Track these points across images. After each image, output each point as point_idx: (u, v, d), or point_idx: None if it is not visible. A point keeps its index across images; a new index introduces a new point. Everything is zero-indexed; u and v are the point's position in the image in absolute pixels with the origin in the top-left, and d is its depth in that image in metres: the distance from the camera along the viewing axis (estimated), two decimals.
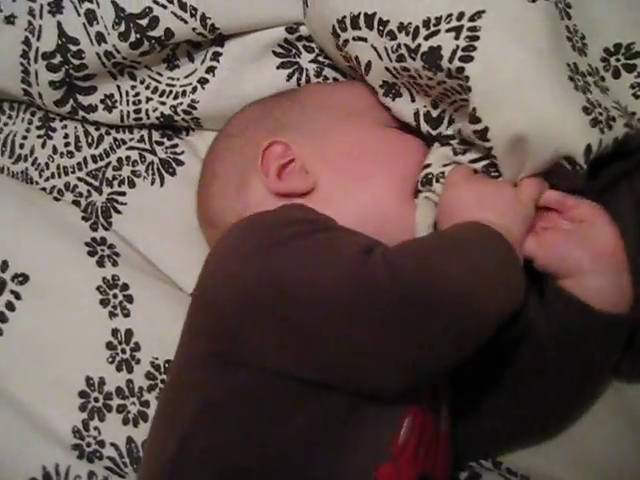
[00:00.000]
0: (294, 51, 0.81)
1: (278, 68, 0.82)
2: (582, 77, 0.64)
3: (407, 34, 0.65)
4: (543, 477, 0.69)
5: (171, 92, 0.83)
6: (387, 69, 0.69)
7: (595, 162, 0.62)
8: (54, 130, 0.87)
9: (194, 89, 0.82)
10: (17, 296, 0.74)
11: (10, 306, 0.74)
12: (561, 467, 0.69)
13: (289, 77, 0.82)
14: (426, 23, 0.64)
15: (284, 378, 0.54)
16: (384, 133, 0.72)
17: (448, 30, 0.63)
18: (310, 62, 0.81)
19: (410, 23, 0.65)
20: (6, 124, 0.89)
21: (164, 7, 0.76)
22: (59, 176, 0.85)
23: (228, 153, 0.74)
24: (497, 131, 0.61)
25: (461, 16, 0.63)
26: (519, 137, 0.60)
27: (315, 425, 0.53)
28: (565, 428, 0.68)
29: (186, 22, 0.76)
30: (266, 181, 0.69)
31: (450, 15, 0.63)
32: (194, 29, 0.77)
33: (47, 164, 0.86)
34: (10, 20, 0.80)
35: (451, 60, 0.62)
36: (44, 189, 0.85)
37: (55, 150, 0.86)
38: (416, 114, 0.71)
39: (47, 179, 0.85)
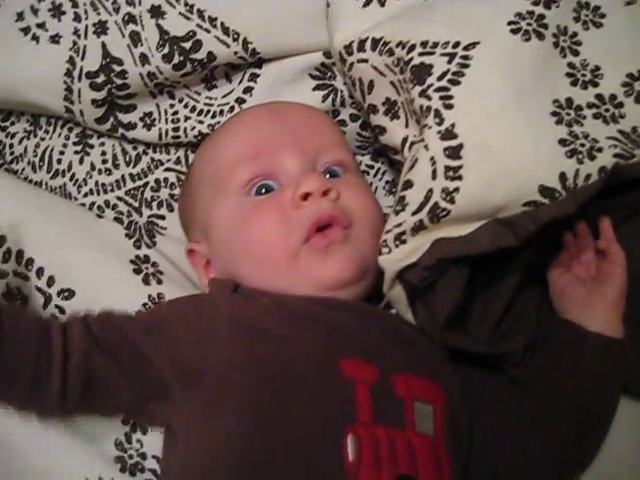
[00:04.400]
0: (329, 74, 0.82)
1: (314, 90, 0.83)
2: (576, 110, 0.66)
3: (403, 48, 0.69)
4: None
5: (209, 111, 0.84)
6: (392, 83, 0.71)
7: (617, 192, 0.66)
8: (91, 147, 0.87)
9: (231, 108, 0.83)
10: (62, 311, 0.74)
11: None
12: None
13: (324, 98, 0.83)
14: (424, 44, 0.68)
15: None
16: (241, 203, 0.73)
17: (442, 54, 0.67)
18: (345, 84, 0.82)
19: (409, 41, 0.69)
20: (43, 139, 0.89)
21: (207, 31, 0.77)
22: (98, 193, 0.85)
23: None
24: (471, 150, 0.63)
25: (457, 44, 0.67)
26: (493, 157, 0.63)
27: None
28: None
29: (228, 46, 0.78)
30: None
31: (447, 42, 0.67)
32: (235, 53, 0.78)
33: (85, 180, 0.86)
34: (55, 40, 0.80)
35: (440, 79, 0.65)
36: (83, 204, 0.85)
37: (93, 167, 0.86)
38: (404, 140, 0.71)
39: (86, 195, 0.85)
